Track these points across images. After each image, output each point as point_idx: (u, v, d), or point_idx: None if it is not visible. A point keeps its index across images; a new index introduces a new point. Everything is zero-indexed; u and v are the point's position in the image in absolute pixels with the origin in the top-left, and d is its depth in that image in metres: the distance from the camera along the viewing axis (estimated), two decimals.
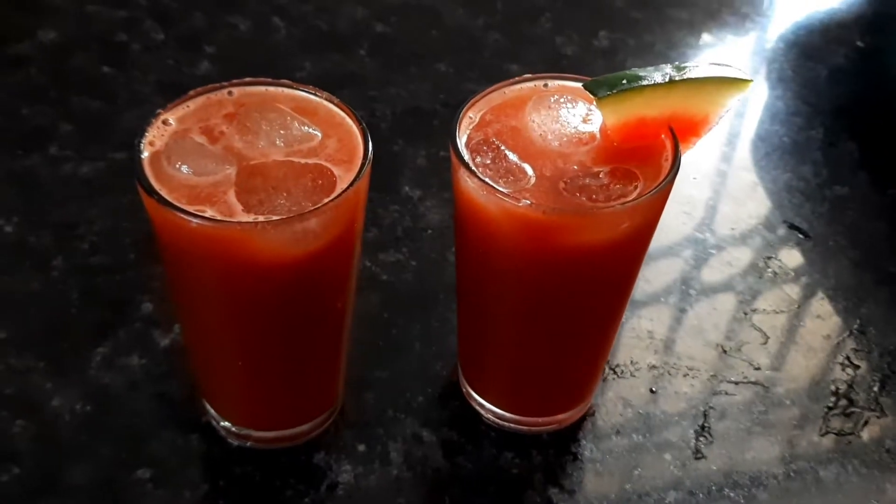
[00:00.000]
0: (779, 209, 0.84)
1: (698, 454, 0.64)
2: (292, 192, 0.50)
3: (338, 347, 0.61)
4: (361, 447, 0.63)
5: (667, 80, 0.52)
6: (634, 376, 0.69)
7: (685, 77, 0.52)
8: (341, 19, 1.04)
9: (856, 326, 0.74)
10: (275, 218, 0.48)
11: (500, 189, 0.50)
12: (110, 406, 0.64)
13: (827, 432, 0.66)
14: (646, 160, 0.53)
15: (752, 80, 0.54)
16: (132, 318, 0.70)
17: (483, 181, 0.51)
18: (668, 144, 0.54)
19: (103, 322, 0.70)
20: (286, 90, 0.56)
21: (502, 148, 0.53)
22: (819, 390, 0.69)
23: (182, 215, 0.48)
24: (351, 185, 0.50)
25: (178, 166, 0.51)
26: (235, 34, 1.01)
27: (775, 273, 0.78)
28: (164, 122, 0.53)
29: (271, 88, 0.56)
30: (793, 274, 0.78)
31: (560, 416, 0.65)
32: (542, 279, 0.55)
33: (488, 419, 0.65)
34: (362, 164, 0.52)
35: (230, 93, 0.56)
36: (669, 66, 0.53)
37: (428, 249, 0.78)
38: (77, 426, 0.63)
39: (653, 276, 0.77)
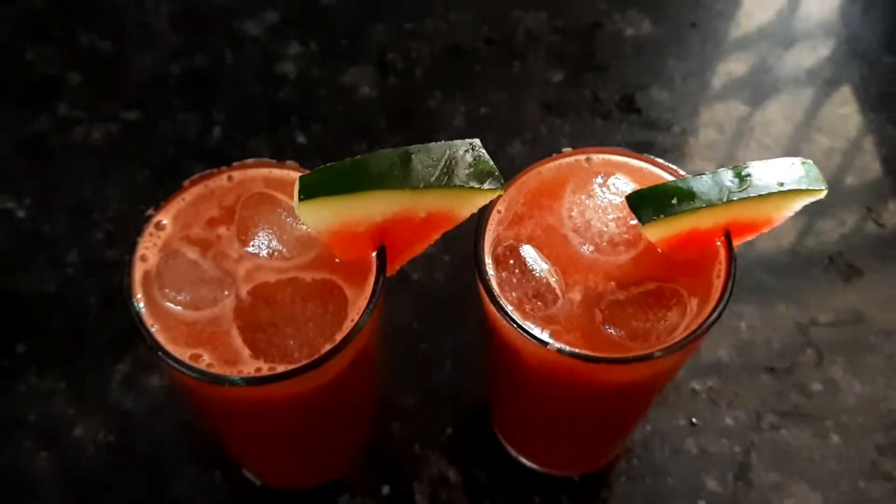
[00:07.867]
0: None
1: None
2: (301, 324, 0.45)
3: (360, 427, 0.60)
4: (385, 489, 0.62)
5: (725, 199, 0.45)
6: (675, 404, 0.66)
7: (747, 195, 0.45)
8: None
9: None
10: (283, 369, 0.44)
11: (531, 334, 0.45)
12: None
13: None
14: (696, 275, 0.47)
15: (824, 189, 0.46)
16: None
17: (511, 321, 0.45)
18: (723, 255, 0.47)
19: None
20: (291, 173, 0.50)
21: (528, 263, 0.47)
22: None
23: (183, 370, 0.43)
24: (362, 320, 0.45)
25: (171, 295, 0.46)
26: None
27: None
28: (157, 226, 0.48)
29: (275, 171, 0.50)
30: None
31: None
32: (569, 400, 0.51)
33: (516, 457, 0.63)
34: (375, 286, 0.46)
35: (230, 178, 0.50)
36: (730, 172, 0.45)
37: (462, 243, 0.72)
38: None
39: None
